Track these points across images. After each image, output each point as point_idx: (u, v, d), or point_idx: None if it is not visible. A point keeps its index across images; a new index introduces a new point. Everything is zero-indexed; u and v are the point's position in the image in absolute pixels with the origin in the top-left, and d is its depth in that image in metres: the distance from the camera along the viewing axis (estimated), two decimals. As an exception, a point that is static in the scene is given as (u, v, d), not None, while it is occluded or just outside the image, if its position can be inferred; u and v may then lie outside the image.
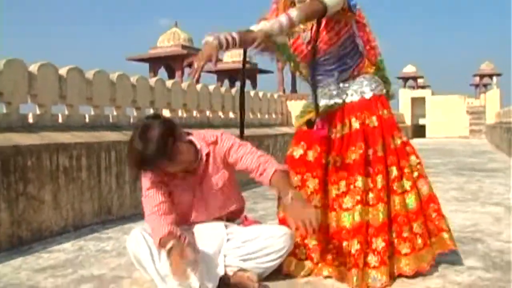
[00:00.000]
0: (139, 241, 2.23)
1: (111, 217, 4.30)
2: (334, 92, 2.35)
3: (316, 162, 2.35)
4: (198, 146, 2.29)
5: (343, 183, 2.29)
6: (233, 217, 2.49)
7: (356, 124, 2.29)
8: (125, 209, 4.46)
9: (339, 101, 2.33)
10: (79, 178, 3.99)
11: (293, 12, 2.09)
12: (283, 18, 2.08)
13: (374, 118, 2.30)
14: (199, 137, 2.32)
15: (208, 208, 2.36)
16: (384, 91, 2.41)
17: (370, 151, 2.26)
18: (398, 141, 2.36)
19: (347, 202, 2.25)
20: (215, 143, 2.33)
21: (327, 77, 2.37)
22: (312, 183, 2.34)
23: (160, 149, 2.01)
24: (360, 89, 2.34)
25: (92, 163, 4.13)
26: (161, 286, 2.13)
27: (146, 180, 2.27)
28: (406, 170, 2.34)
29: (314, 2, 2.13)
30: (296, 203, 1.97)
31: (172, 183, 2.29)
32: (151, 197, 2.23)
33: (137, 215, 4.23)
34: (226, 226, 2.35)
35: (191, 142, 2.27)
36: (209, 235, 2.29)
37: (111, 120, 5.03)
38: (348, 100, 2.35)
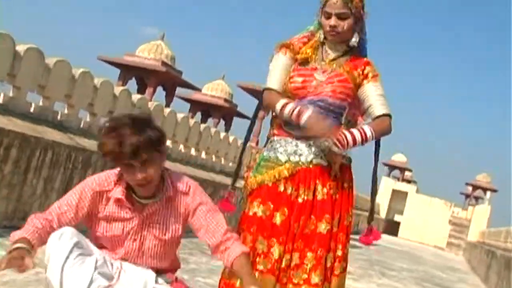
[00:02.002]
0: (67, 236, 2.16)
1: (23, 225, 4.18)
2: (306, 150, 2.44)
3: (282, 226, 2.41)
4: (166, 182, 2.28)
5: (310, 255, 2.35)
6: (163, 272, 2.48)
7: (323, 192, 2.39)
8: (42, 220, 4.36)
9: (307, 159, 2.43)
10: (0, 171, 3.92)
11: (368, 131, 2.35)
12: (357, 135, 2.32)
13: (338, 188, 2.41)
14: (171, 176, 2.32)
15: (141, 254, 2.34)
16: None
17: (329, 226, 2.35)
18: (350, 219, 2.48)
19: (314, 277, 2.31)
20: (185, 193, 2.31)
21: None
22: (278, 251, 2.39)
23: (142, 144, 2.08)
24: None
25: (22, 158, 4.07)
26: None
27: (77, 192, 2.21)
28: (346, 251, 2.44)
29: (385, 120, 2.43)
30: None
31: (112, 210, 2.27)
32: (67, 203, 2.18)
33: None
34: (156, 281, 2.34)
35: (162, 171, 2.28)
36: (136, 280, 2.27)
37: (59, 117, 5.02)
38: (315, 161, 2.45)
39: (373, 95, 2.45)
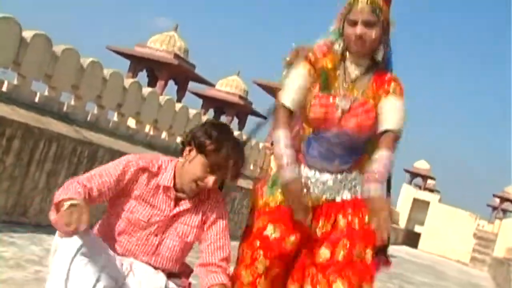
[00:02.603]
0: (71, 244, 2.18)
1: (23, 220, 4.20)
2: (330, 183, 2.42)
3: (292, 251, 2.38)
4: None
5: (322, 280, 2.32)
6: (176, 276, 2.48)
7: (342, 222, 2.36)
8: (45, 215, 4.36)
9: (334, 197, 2.40)
10: (1, 162, 3.92)
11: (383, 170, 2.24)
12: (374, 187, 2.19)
13: (356, 220, 2.37)
14: None
15: (157, 251, 2.35)
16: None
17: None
18: (365, 255, 2.41)
19: None
20: (215, 202, 2.37)
21: (325, 159, 2.44)
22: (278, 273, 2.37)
23: (242, 165, 2.25)
24: (354, 188, 2.43)
25: (25, 150, 4.08)
26: None
27: (119, 167, 2.20)
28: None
29: (388, 138, 2.31)
30: None
31: (149, 193, 2.25)
32: (109, 172, 2.17)
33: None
34: (166, 286, 2.33)
35: None
36: (146, 283, 2.26)
37: (65, 109, 5.03)
38: (340, 197, 2.43)
39: (389, 109, 2.35)
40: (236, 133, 9.17)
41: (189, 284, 2.49)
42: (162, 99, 6.58)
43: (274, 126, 2.33)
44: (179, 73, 15.34)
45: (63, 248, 2.17)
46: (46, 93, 4.84)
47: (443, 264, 18.93)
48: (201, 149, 2.18)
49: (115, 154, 5.05)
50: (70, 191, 2.07)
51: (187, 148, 2.23)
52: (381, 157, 2.27)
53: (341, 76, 2.42)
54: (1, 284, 2.62)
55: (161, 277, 2.33)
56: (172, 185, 2.25)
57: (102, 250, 2.29)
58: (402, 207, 26.81)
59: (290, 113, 2.35)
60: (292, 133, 2.36)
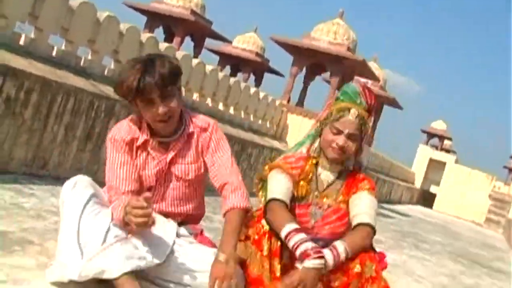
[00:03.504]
0: (81, 185, 2.23)
1: (43, 172, 4.27)
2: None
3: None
4: (185, 119, 2.36)
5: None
6: (187, 221, 2.50)
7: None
8: (64, 168, 4.43)
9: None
10: (21, 115, 3.96)
11: (341, 248, 2.22)
12: (328, 256, 2.19)
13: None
14: (189, 114, 2.40)
15: (165, 197, 2.39)
16: None
17: None
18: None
19: None
20: (204, 129, 2.40)
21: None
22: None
23: (165, 76, 2.17)
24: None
25: (43, 103, 4.11)
26: (70, 259, 2.09)
27: (114, 151, 2.30)
28: None
29: (364, 230, 2.32)
30: (225, 265, 2.13)
31: (142, 158, 2.33)
32: (121, 173, 2.26)
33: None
34: (177, 234, 2.36)
35: (181, 109, 2.36)
36: (157, 232, 2.29)
37: (82, 63, 5.02)
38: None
39: (362, 204, 2.41)
40: (252, 89, 9.04)
41: (201, 231, 2.52)
42: (179, 54, 6.53)
43: (276, 225, 2.27)
44: (195, 29, 15.20)
45: (72, 201, 2.20)
46: (63, 47, 4.83)
47: (457, 224, 18.99)
48: (124, 96, 2.22)
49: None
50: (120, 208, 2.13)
51: (135, 103, 2.26)
52: (352, 234, 2.30)
53: (313, 185, 2.48)
54: (23, 233, 2.68)
55: (172, 224, 2.37)
56: (148, 136, 2.31)
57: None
58: (418, 167, 26.75)
59: (285, 204, 2.35)
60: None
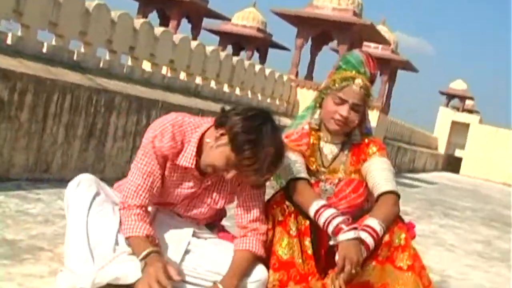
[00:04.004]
0: (85, 183, 2.23)
1: (47, 176, 4.28)
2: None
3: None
4: None
5: None
6: (207, 223, 2.52)
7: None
8: (68, 170, 4.44)
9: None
10: (17, 119, 3.97)
11: (374, 223, 2.21)
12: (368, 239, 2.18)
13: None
14: None
15: (187, 211, 2.38)
16: None
17: None
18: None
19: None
20: None
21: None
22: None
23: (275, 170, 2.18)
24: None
25: (39, 104, 4.11)
26: (81, 266, 2.10)
27: (148, 154, 2.18)
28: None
29: (390, 199, 2.32)
30: None
31: (176, 175, 2.26)
32: (143, 182, 2.17)
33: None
34: (194, 232, 2.34)
35: None
36: (172, 228, 2.31)
37: (75, 57, 5.01)
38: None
39: (377, 169, 2.41)
40: (257, 67, 9.02)
41: (222, 227, 2.53)
42: (177, 38, 6.50)
43: (303, 204, 2.28)
44: (191, 10, 15.10)
45: (76, 200, 2.21)
46: (53, 42, 4.82)
47: (487, 187, 18.91)
48: (233, 144, 2.05)
49: (132, 100, 5.06)
50: (135, 224, 2.11)
51: (219, 130, 2.10)
52: (379, 207, 2.29)
53: (318, 160, 2.49)
54: (32, 240, 2.70)
55: (189, 229, 2.35)
56: (193, 165, 2.18)
57: (115, 198, 2.32)
58: (440, 132, 26.59)
59: (308, 182, 2.36)
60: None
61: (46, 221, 3.12)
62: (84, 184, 2.25)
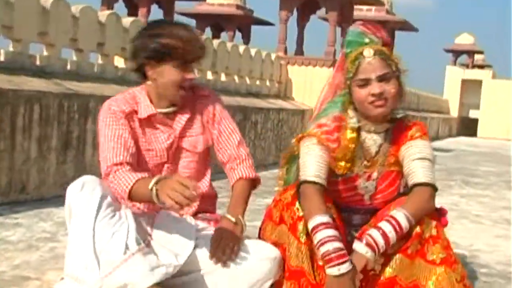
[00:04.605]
0: (90, 186, 2.24)
1: (24, 197, 4.27)
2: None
3: None
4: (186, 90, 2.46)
5: None
6: (203, 210, 2.58)
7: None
8: (47, 187, 4.43)
9: None
10: (-17, 138, 3.95)
11: (400, 216, 2.20)
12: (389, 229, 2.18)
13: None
14: (190, 83, 2.51)
15: (174, 163, 2.51)
16: None
17: None
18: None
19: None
20: (205, 97, 2.55)
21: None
22: None
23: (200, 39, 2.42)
24: None
25: (4, 119, 4.08)
26: (87, 272, 2.10)
27: (110, 122, 2.38)
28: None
29: (425, 192, 2.29)
30: (233, 225, 2.30)
31: (145, 131, 2.45)
32: (117, 145, 2.34)
33: (64, 197, 4.18)
34: (196, 229, 2.39)
35: None
36: (174, 231, 2.34)
37: (38, 62, 4.99)
38: None
39: (416, 156, 2.36)
40: (241, 48, 9.06)
41: (216, 220, 2.54)
42: (147, 27, 6.45)
43: (306, 214, 2.24)
44: (160, -6, 15.01)
45: (81, 204, 2.21)
46: (10, 48, 4.79)
47: (508, 147, 18.94)
48: (161, 55, 2.32)
49: (108, 102, 5.03)
50: (128, 179, 2.24)
51: (147, 68, 2.38)
52: (411, 200, 2.27)
53: (358, 154, 2.42)
54: (16, 270, 2.69)
55: (189, 219, 2.44)
56: (154, 110, 2.44)
57: (121, 205, 2.33)
58: (450, 93, 26.58)
59: (321, 188, 2.29)
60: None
61: (29, 247, 3.11)
62: (88, 186, 2.24)
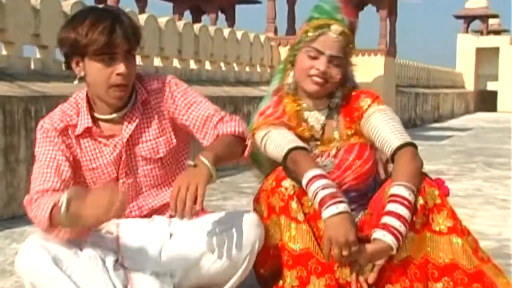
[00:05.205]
0: (38, 257, 2.19)
1: (-7, 217, 4.25)
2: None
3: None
4: (135, 86, 2.36)
5: None
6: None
7: None
8: (17, 204, 4.39)
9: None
10: None
11: (401, 190, 2.22)
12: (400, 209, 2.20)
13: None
14: (139, 79, 2.41)
15: (138, 189, 2.40)
16: None
17: None
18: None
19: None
20: (160, 90, 2.39)
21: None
22: None
23: (136, 29, 2.27)
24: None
25: (-36, 130, 4.06)
26: None
27: (43, 143, 2.30)
28: None
29: (406, 153, 2.33)
30: (193, 168, 2.10)
31: (84, 147, 2.34)
32: (49, 170, 2.25)
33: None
34: (169, 223, 2.38)
35: None
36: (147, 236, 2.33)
37: (-3, 63, 4.96)
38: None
39: (380, 123, 2.42)
40: (226, 31, 9.02)
41: (202, 209, 2.51)
42: (118, 14, 6.44)
43: (299, 175, 2.28)
44: (131, -24, 14.99)
45: (40, 275, 2.15)
46: (-35, 50, 4.76)
47: (533, 120, 18.99)
48: (82, 50, 2.19)
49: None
50: (48, 201, 2.11)
51: (73, 64, 2.27)
52: (400, 167, 2.30)
53: (306, 132, 2.50)
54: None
55: (161, 223, 2.38)
56: (91, 123, 2.32)
57: (79, 248, 2.29)
58: (464, 65, 26.62)
59: (305, 150, 2.35)
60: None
61: (2, 272, 3.10)
62: (38, 255, 2.18)
